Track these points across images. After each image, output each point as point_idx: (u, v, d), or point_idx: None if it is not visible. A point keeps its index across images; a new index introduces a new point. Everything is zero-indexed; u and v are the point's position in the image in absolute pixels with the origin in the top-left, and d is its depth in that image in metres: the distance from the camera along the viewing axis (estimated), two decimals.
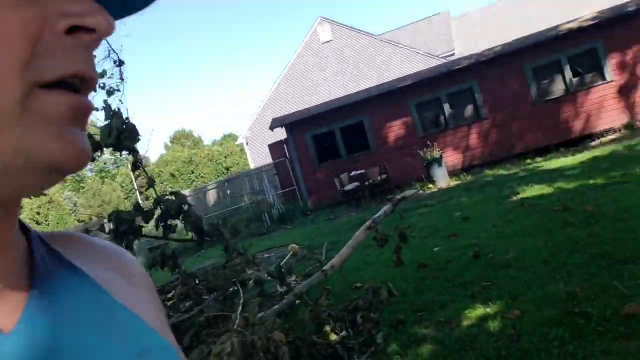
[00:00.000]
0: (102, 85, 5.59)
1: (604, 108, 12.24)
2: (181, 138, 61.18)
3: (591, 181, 7.40)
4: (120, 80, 5.95)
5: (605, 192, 6.43)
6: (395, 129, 13.48)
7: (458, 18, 30.48)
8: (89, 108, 0.33)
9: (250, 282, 5.36)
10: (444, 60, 20.51)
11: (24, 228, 0.40)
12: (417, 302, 4.30)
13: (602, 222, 5.04)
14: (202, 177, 44.95)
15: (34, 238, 0.40)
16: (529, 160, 11.79)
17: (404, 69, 23.19)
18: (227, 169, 45.18)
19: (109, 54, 5.68)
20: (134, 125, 2.97)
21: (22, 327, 0.33)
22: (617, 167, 7.79)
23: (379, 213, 5.56)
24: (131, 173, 43.95)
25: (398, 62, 24.28)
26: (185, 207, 3.27)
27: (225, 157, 46.48)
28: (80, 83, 0.33)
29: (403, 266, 4.85)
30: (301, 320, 3.65)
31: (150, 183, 3.32)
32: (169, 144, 60.24)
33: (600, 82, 12.26)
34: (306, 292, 4.72)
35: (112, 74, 5.67)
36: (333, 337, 3.77)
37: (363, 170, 12.49)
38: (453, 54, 25.10)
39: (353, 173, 12.46)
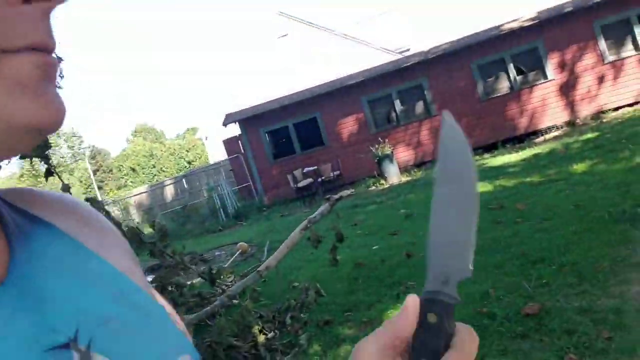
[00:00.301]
0: None
1: (546, 106, 12.72)
2: (143, 132, 59.96)
3: (528, 179, 7.73)
4: (59, 77, 5.89)
5: (539, 190, 6.74)
6: (349, 125, 13.64)
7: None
8: (56, 63, 0.34)
9: (188, 284, 5.41)
10: (400, 56, 20.80)
11: None
12: (346, 302, 4.45)
13: (528, 221, 5.31)
14: (164, 171, 44.27)
15: None
16: (476, 157, 12.15)
17: (364, 62, 23.39)
18: (189, 163, 44.64)
19: None
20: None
21: (14, 278, 0.35)
22: (552, 165, 8.16)
23: (316, 213, 5.68)
24: (89, 168, 42.90)
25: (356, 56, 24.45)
26: (102, 214, 3.28)
27: (187, 151, 45.90)
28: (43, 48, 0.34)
29: (338, 265, 5.00)
30: (224, 323, 3.73)
31: (65, 188, 3.32)
32: (131, 137, 58.97)
33: (542, 81, 12.73)
34: (242, 292, 4.80)
35: None
36: (261, 338, 3.87)
37: (316, 167, 12.60)
38: (408, 50, 25.49)
39: (306, 169, 12.57)
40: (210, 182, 16.98)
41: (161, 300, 0.47)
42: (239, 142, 14.82)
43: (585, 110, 12.54)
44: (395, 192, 10.26)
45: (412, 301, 0.39)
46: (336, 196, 5.93)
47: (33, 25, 0.32)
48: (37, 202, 0.44)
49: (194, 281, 6.29)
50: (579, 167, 7.37)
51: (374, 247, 6.20)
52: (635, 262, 3.42)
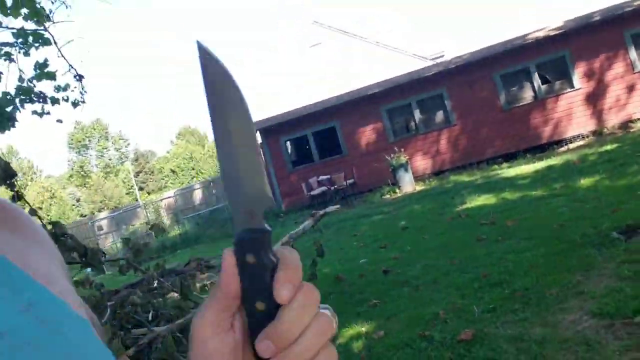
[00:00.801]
0: (65, 98, 5.89)
1: (572, 115, 12.30)
2: (186, 134, 61.47)
3: (533, 192, 7.52)
4: (82, 93, 6.27)
5: (536, 206, 6.56)
6: (367, 134, 13.63)
7: None
8: None
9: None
10: (432, 62, 20.56)
11: None
12: None
13: (509, 239, 5.19)
14: (202, 173, 45.35)
15: None
16: (495, 166, 11.89)
17: (395, 69, 23.26)
18: None
19: (69, 69, 5.99)
20: (7, 164, 3.18)
21: None
22: (561, 179, 7.90)
23: (298, 228, 5.74)
24: (129, 170, 44.47)
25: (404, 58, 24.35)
26: (64, 238, 3.46)
27: None
28: None
29: (316, 280, 5.05)
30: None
31: (32, 213, 3.52)
32: (175, 140, 60.59)
33: (568, 90, 12.32)
34: None
35: (74, 87, 5.98)
36: None
37: (329, 176, 12.66)
38: (442, 56, 25.13)
39: (321, 178, 12.64)
40: None
41: (88, 313, 0.44)
42: (261, 150, 15.05)
43: (612, 120, 12.05)
44: (404, 203, 10.18)
45: (226, 254, 0.37)
46: (321, 212, 5.99)
47: None
48: None
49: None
50: (586, 181, 7.12)
51: (361, 261, 6.20)
52: (581, 290, 3.31)
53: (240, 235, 0.38)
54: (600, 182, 6.85)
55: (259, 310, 0.37)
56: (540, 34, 12.26)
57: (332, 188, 12.65)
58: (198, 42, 0.38)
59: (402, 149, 12.66)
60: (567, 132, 12.35)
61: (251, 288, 0.37)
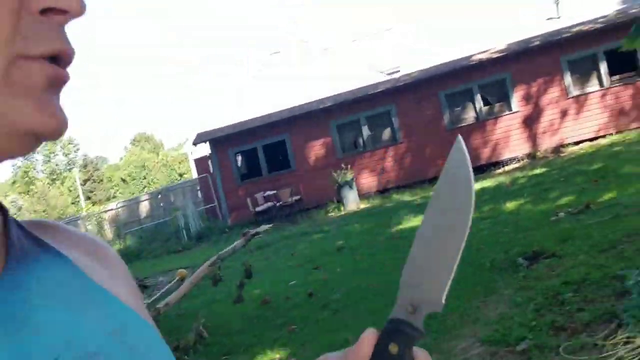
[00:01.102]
0: None
1: (509, 137, 12.83)
2: (142, 140, 59.87)
3: None
4: None
5: None
6: (316, 149, 13.77)
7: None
8: (66, 78, 0.36)
9: None
10: (389, 77, 20.98)
11: (2, 209, 0.41)
12: (229, 343, 4.50)
13: None
14: (155, 182, 44.36)
15: (10, 219, 0.41)
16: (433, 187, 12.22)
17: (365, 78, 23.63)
18: (181, 175, 44.75)
19: None
20: None
21: None
22: (491, 201, 8.22)
23: (228, 248, 5.76)
24: (76, 178, 43.04)
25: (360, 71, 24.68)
26: None
27: (180, 163, 46.07)
28: (59, 59, 0.35)
29: (242, 303, 5.07)
30: None
31: None
32: (129, 146, 58.95)
33: (507, 112, 12.86)
34: None
35: None
36: None
37: (275, 191, 12.71)
38: (398, 71, 25.68)
39: (267, 193, 12.67)
40: (182, 200, 17.08)
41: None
42: (209, 161, 14.94)
43: (546, 144, 12.64)
44: (346, 221, 10.33)
45: (370, 334, 0.39)
46: (252, 231, 6.01)
47: (54, 35, 0.34)
48: (56, 234, 0.45)
49: None
50: (511, 205, 7.45)
51: (291, 283, 6.26)
52: (477, 317, 3.49)
53: (396, 323, 0.38)
54: (523, 206, 7.18)
55: None
56: (484, 56, 12.76)
57: (278, 204, 12.69)
58: (458, 137, 0.41)
59: (350, 166, 12.86)
60: (504, 154, 12.86)
61: None
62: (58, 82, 0.35)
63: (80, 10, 0.35)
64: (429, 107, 13.14)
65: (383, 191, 13.27)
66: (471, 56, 13.11)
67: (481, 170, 12.73)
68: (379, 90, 13.30)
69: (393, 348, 0.37)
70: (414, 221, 8.29)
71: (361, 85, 13.84)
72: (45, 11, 0.33)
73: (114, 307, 0.41)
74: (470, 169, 0.39)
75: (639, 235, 4.11)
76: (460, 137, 0.40)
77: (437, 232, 0.39)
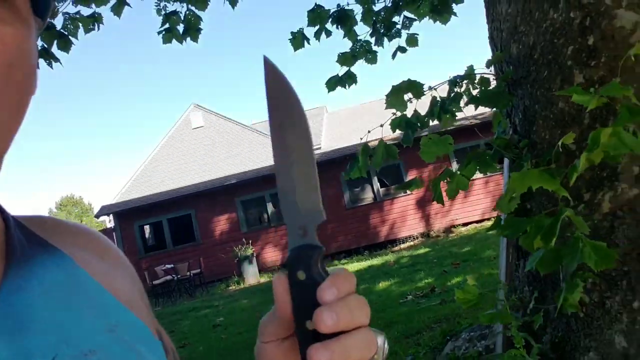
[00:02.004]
0: None
1: (406, 217, 13.63)
2: (68, 205, 57.01)
3: None
4: None
5: None
6: (221, 224, 13.95)
7: (331, 114, 32.75)
8: None
9: None
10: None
11: (2, 212, 0.42)
12: None
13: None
14: None
15: (10, 220, 0.41)
16: (336, 262, 12.66)
17: (269, 158, 24.25)
18: None
19: None
20: None
21: (0, 299, 0.35)
22: (370, 280, 8.66)
23: None
24: None
25: (263, 151, 25.36)
26: None
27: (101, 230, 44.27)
28: None
29: None
30: None
31: None
32: (54, 210, 55.97)
33: (402, 194, 13.73)
34: None
35: None
36: None
37: (172, 265, 12.67)
38: (319, 148, 26.76)
39: (165, 267, 12.59)
40: None
41: (165, 338, 0.47)
42: (113, 233, 14.73)
43: (438, 224, 13.50)
44: (239, 296, 10.43)
45: (277, 279, 0.38)
46: None
47: None
48: (55, 230, 0.45)
49: None
50: (382, 285, 7.89)
51: None
52: None
53: (292, 253, 0.38)
54: (390, 287, 7.64)
55: (308, 329, 0.36)
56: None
57: (176, 277, 12.60)
58: (265, 57, 0.39)
59: (254, 240, 13.10)
60: (401, 232, 13.59)
61: (301, 306, 0.37)
62: None
63: None
64: (331, 187, 13.81)
65: (286, 265, 13.48)
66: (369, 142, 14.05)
67: (380, 247, 13.33)
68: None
69: (300, 275, 0.37)
70: None
71: (260, 165, 14.39)
72: None
73: (111, 304, 0.42)
74: (287, 79, 0.38)
75: (441, 322, 4.58)
76: (265, 56, 0.39)
77: (287, 152, 0.39)
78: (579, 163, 1.52)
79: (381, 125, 2.39)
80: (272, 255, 13.66)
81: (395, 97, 2.22)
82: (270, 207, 13.93)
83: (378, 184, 13.77)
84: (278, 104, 0.38)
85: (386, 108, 2.22)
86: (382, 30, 4.05)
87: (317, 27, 4.10)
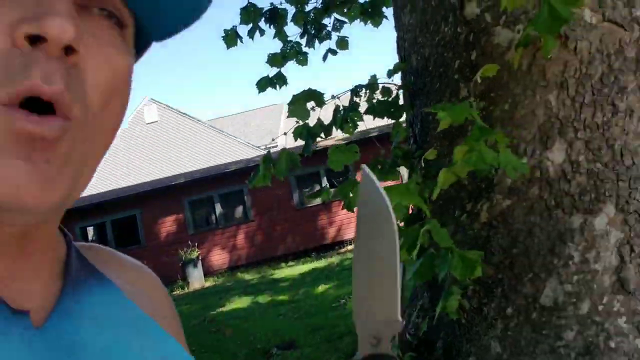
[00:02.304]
0: None
1: (352, 218, 13.75)
2: None
3: (279, 297, 8.13)
4: None
5: (264, 314, 7.08)
6: (167, 225, 13.68)
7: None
8: (48, 132, 0.28)
9: None
10: (263, 152, 21.65)
11: (65, 234, 0.42)
12: None
13: (211, 352, 5.54)
14: None
15: (73, 246, 0.42)
16: (283, 264, 12.64)
17: (226, 155, 24.00)
18: None
19: None
20: None
21: (52, 324, 0.35)
22: (311, 283, 8.69)
23: None
24: None
25: (219, 149, 25.08)
26: None
27: None
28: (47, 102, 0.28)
29: None
30: None
31: None
32: None
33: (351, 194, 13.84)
34: None
35: None
36: None
37: None
38: (276, 146, 26.68)
39: None
40: None
41: None
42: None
43: None
44: (180, 301, 10.26)
45: None
46: None
47: (22, 70, 0.27)
48: (108, 262, 0.45)
49: None
50: (320, 289, 7.93)
51: None
52: None
53: None
54: (328, 290, 7.69)
55: None
56: (329, 143, 13.78)
57: None
58: (363, 167, 0.40)
59: (201, 243, 12.91)
60: (348, 234, 13.71)
61: None
62: (27, 137, 0.28)
63: (59, 34, 0.28)
64: (280, 187, 13.77)
65: (234, 268, 13.39)
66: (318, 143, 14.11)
67: (327, 249, 13.39)
68: (231, 169, 13.75)
69: None
70: (236, 303, 8.48)
71: (215, 163, 14.21)
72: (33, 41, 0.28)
73: (159, 337, 0.42)
74: (382, 192, 0.39)
75: None
76: (364, 165, 0.40)
77: (371, 258, 0.38)
78: (441, 178, 1.57)
79: (284, 134, 2.40)
80: (220, 257, 13.50)
81: (297, 106, 2.23)
82: (218, 208, 13.76)
83: (327, 184, 13.84)
84: (369, 212, 0.38)
85: (288, 117, 2.23)
86: (312, 32, 4.06)
87: (250, 26, 4.07)
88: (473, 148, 1.64)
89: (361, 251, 0.39)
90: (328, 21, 4.00)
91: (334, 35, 4.03)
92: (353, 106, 2.26)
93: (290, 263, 12.55)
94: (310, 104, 2.29)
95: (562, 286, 1.94)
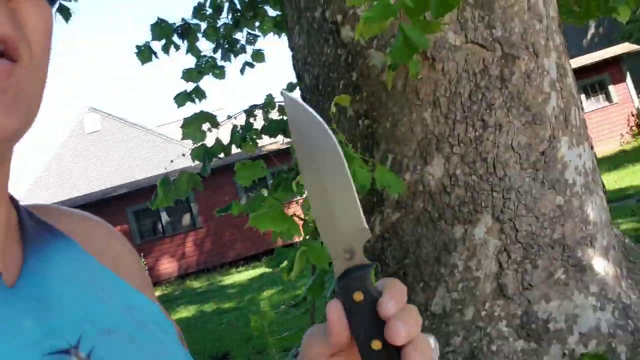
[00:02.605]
0: None
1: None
2: None
3: (226, 305, 8.09)
4: None
5: (207, 323, 7.03)
6: None
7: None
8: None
9: None
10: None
11: (13, 200, 0.42)
12: None
13: None
14: None
15: (21, 208, 0.42)
16: (233, 270, 12.55)
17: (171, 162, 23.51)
18: None
19: None
20: None
21: (23, 283, 0.36)
22: (258, 289, 8.68)
23: None
24: None
25: (166, 155, 24.58)
26: None
27: None
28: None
29: None
30: None
31: None
32: None
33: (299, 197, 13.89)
34: None
35: None
36: None
37: None
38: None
39: None
40: None
41: (172, 320, 0.47)
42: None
43: None
44: None
45: (332, 306, 0.36)
46: None
47: None
48: (61, 217, 0.45)
49: None
50: (266, 294, 7.93)
51: None
52: None
53: (344, 276, 0.37)
54: (272, 296, 7.70)
55: (376, 349, 0.36)
56: (274, 147, 13.78)
57: None
58: (282, 92, 0.39)
59: (149, 252, 12.64)
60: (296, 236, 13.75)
61: (364, 328, 0.36)
62: None
63: None
64: (227, 193, 13.66)
65: (184, 276, 13.19)
66: (264, 146, 14.10)
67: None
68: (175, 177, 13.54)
69: (358, 297, 0.36)
70: (184, 312, 8.37)
71: (163, 171, 13.94)
72: None
73: (122, 288, 0.43)
74: (306, 106, 0.38)
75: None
76: (284, 91, 0.39)
77: (319, 174, 0.38)
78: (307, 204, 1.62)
79: (183, 155, 2.39)
80: (169, 266, 13.27)
81: (191, 128, 2.23)
82: (165, 217, 13.51)
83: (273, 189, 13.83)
84: (304, 134, 0.37)
85: (182, 139, 2.23)
86: (226, 46, 4.05)
87: (163, 41, 4.02)
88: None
89: (308, 172, 0.38)
90: (241, 35, 4.00)
91: (249, 49, 4.04)
92: (248, 126, 2.28)
93: (240, 268, 12.48)
94: (206, 125, 2.30)
95: (449, 294, 2.03)
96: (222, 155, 2.43)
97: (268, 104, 2.32)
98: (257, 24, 3.79)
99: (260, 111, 2.32)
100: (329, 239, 0.38)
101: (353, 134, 2.13)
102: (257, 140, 2.31)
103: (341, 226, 0.38)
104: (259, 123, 2.40)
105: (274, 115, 2.32)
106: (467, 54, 1.89)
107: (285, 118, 2.27)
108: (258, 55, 4.13)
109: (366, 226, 0.38)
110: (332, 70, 2.15)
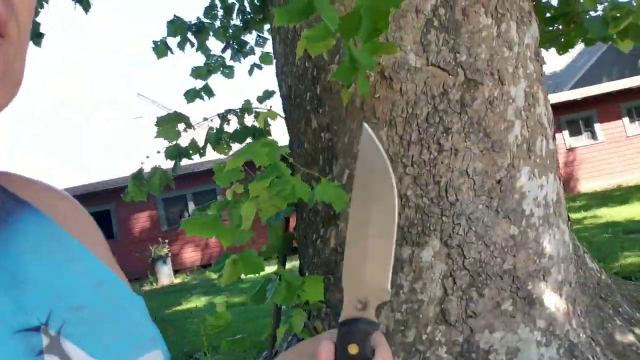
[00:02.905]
0: None
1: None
2: None
3: (235, 299, 8.21)
4: None
5: (205, 315, 7.16)
6: (141, 221, 13.74)
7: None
8: None
9: None
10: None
11: None
12: None
13: None
14: None
15: None
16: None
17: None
18: None
19: None
20: None
21: None
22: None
23: None
24: None
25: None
26: None
27: None
28: None
29: None
30: None
31: None
32: None
33: None
34: None
35: None
36: None
37: None
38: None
39: None
40: None
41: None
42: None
43: None
44: (146, 298, 10.31)
45: (323, 346, 0.37)
46: None
47: None
48: (27, 188, 0.43)
49: None
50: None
51: None
52: None
53: (349, 324, 0.37)
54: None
55: None
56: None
57: None
58: (364, 127, 0.38)
59: (174, 240, 12.97)
60: None
61: None
62: None
63: None
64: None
65: (206, 266, 13.45)
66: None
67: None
68: (204, 168, 13.81)
69: (353, 349, 0.37)
70: (196, 302, 8.55)
71: (189, 162, 14.25)
72: None
73: (91, 262, 0.42)
74: (383, 153, 0.37)
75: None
76: (366, 125, 0.39)
77: (367, 223, 0.37)
78: (244, 210, 1.66)
79: (158, 152, 2.47)
80: (193, 254, 13.56)
81: (165, 127, 2.30)
82: (191, 206, 13.82)
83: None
84: (368, 179, 0.37)
85: (156, 137, 2.30)
86: (235, 47, 4.14)
87: (179, 38, 4.15)
88: (288, 182, 1.72)
89: (358, 213, 0.37)
90: (251, 37, 4.07)
91: (258, 51, 4.11)
92: (221, 129, 2.34)
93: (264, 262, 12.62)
94: (181, 126, 2.37)
95: (393, 314, 2.02)
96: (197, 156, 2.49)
97: (245, 109, 2.37)
98: (266, 27, 3.85)
99: (235, 117, 2.38)
100: (351, 282, 0.38)
101: (315, 146, 2.16)
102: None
103: (367, 278, 0.37)
104: (233, 128, 2.46)
105: (249, 121, 2.36)
106: (427, 77, 1.89)
107: (257, 125, 2.31)
108: (266, 58, 4.20)
109: (389, 289, 0.38)
110: (301, 82, 2.18)
